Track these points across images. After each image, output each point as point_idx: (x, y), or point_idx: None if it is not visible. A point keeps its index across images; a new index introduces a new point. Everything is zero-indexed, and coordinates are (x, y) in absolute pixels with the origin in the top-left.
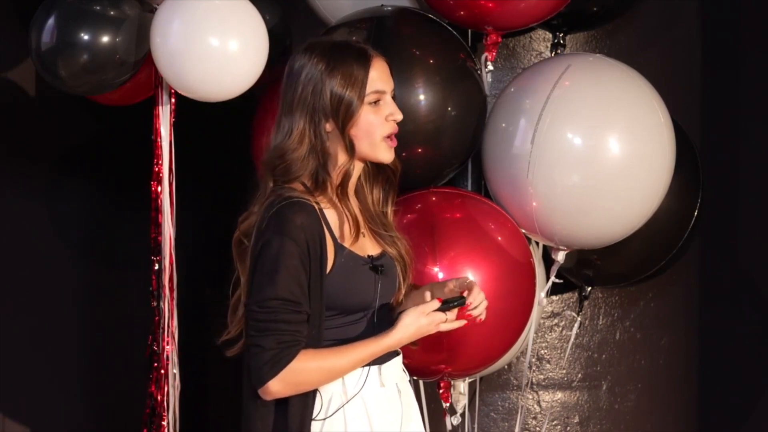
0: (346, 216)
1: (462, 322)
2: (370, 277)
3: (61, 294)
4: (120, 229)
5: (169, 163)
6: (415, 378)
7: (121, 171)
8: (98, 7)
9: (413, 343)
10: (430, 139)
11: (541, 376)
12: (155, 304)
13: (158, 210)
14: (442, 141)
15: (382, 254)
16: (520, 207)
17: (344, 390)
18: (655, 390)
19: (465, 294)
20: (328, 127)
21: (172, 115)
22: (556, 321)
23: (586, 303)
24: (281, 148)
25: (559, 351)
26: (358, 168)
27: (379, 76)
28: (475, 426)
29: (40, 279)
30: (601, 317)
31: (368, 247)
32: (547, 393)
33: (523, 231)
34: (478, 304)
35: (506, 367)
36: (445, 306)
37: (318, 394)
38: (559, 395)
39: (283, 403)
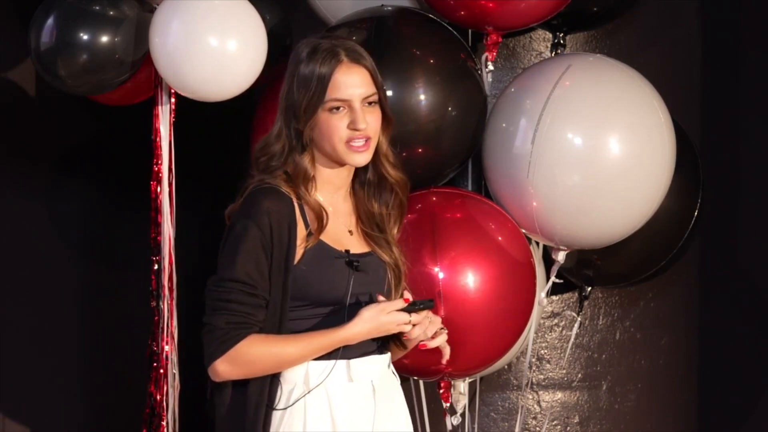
0: (321, 209)
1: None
2: (343, 272)
3: (61, 294)
4: (120, 229)
5: (169, 163)
6: (415, 378)
7: (121, 171)
8: (97, 7)
9: (402, 346)
10: (431, 139)
11: (541, 376)
12: (155, 304)
13: (158, 210)
14: (443, 141)
15: (369, 255)
16: (521, 207)
17: (307, 380)
18: (655, 390)
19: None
20: (300, 126)
21: (172, 115)
22: (556, 321)
23: (586, 303)
24: (264, 141)
25: (559, 351)
26: (335, 166)
27: (346, 83)
28: (475, 426)
29: (40, 279)
30: (601, 317)
31: (354, 245)
32: (547, 393)
33: (524, 231)
34: (423, 339)
35: (506, 367)
36: (411, 307)
37: (279, 384)
38: (559, 395)
39: (242, 388)
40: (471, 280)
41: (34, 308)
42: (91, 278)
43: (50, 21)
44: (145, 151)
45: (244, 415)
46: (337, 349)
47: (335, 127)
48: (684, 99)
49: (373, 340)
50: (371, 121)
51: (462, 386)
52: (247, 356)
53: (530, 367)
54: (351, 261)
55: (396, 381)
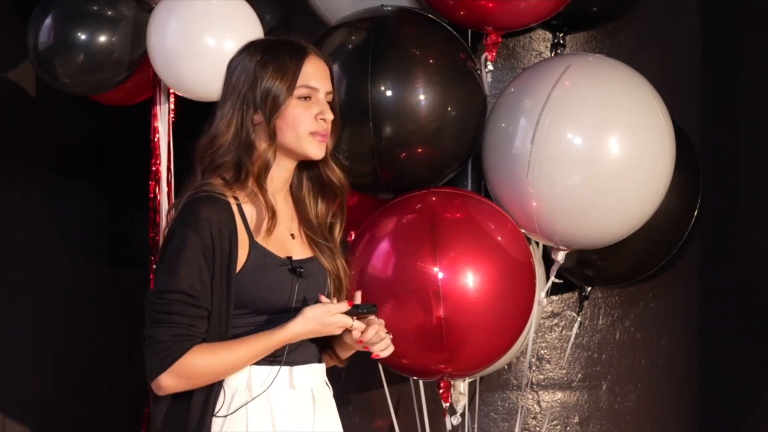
0: (264, 208)
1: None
2: (286, 279)
3: (61, 294)
4: (120, 229)
5: (168, 162)
6: (415, 378)
7: (121, 171)
8: (95, 7)
9: (338, 358)
10: (431, 139)
11: (541, 376)
12: None
13: (156, 210)
14: (443, 141)
15: (311, 260)
16: (521, 207)
17: (249, 387)
18: (655, 390)
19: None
20: (256, 118)
21: (171, 115)
22: (556, 321)
23: (586, 303)
24: (209, 135)
25: (559, 351)
26: (284, 164)
27: (313, 74)
28: (475, 426)
29: (40, 279)
30: (601, 317)
31: (296, 249)
32: (547, 393)
33: (523, 231)
34: (375, 341)
35: (506, 367)
36: (353, 311)
37: (222, 389)
38: (559, 395)
39: (185, 395)
40: (471, 280)
41: (34, 308)
42: (91, 278)
43: (48, 20)
44: (145, 151)
45: (186, 423)
46: (281, 356)
47: (301, 116)
48: (684, 99)
49: (313, 341)
50: (329, 118)
51: (462, 386)
52: (193, 368)
53: (530, 367)
54: (294, 268)
55: (330, 391)
